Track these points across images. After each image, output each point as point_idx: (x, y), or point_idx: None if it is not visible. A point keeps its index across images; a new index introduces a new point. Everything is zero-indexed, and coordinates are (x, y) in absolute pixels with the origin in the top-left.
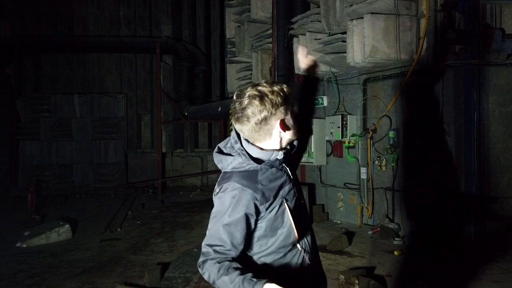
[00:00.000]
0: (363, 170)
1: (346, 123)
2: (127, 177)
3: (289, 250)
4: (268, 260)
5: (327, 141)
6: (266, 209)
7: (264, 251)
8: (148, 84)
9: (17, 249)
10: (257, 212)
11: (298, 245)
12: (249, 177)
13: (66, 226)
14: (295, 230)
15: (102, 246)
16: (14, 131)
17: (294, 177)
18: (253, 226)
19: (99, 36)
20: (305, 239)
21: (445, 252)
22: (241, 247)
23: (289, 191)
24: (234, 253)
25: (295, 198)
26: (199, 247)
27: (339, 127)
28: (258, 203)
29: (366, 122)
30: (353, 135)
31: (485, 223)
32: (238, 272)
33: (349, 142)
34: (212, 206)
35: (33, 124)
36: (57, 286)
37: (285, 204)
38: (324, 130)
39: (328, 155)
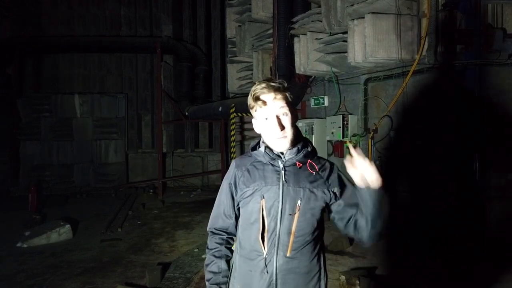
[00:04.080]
0: None
1: (347, 123)
2: (127, 177)
3: (254, 262)
4: (240, 263)
5: (328, 141)
6: (241, 189)
7: (240, 247)
8: (149, 84)
9: (17, 249)
10: (235, 185)
11: (262, 261)
12: (243, 158)
13: (66, 226)
14: (260, 240)
15: (102, 246)
16: (15, 131)
17: (294, 190)
18: (235, 197)
19: (100, 36)
20: (276, 258)
21: (446, 252)
22: (231, 218)
23: (272, 193)
24: (227, 224)
25: (276, 205)
26: (199, 247)
27: (340, 127)
28: (236, 179)
29: (367, 122)
30: (354, 135)
31: (487, 223)
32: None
33: (350, 142)
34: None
35: (34, 124)
36: (58, 286)
37: (261, 201)
38: (325, 130)
39: (329, 155)
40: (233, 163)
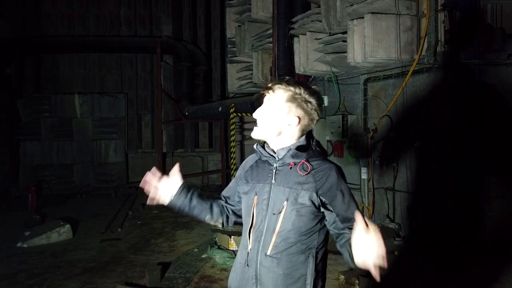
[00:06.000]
0: (364, 170)
1: (347, 123)
2: (127, 177)
3: (243, 254)
4: (238, 252)
5: (328, 141)
6: (242, 183)
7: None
8: (149, 84)
9: (17, 249)
10: (240, 177)
11: (246, 255)
12: (253, 156)
13: (66, 226)
14: (247, 235)
15: (102, 246)
16: (15, 131)
17: (281, 190)
18: (239, 188)
19: (100, 36)
20: (257, 254)
21: (445, 252)
22: (228, 197)
23: (263, 191)
24: (225, 194)
25: (265, 203)
26: (199, 247)
27: (339, 127)
28: (242, 172)
29: (366, 122)
30: (353, 135)
31: (486, 223)
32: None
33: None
34: None
35: (34, 124)
36: (57, 286)
37: (254, 197)
38: (324, 130)
39: (328, 155)
40: (247, 158)
